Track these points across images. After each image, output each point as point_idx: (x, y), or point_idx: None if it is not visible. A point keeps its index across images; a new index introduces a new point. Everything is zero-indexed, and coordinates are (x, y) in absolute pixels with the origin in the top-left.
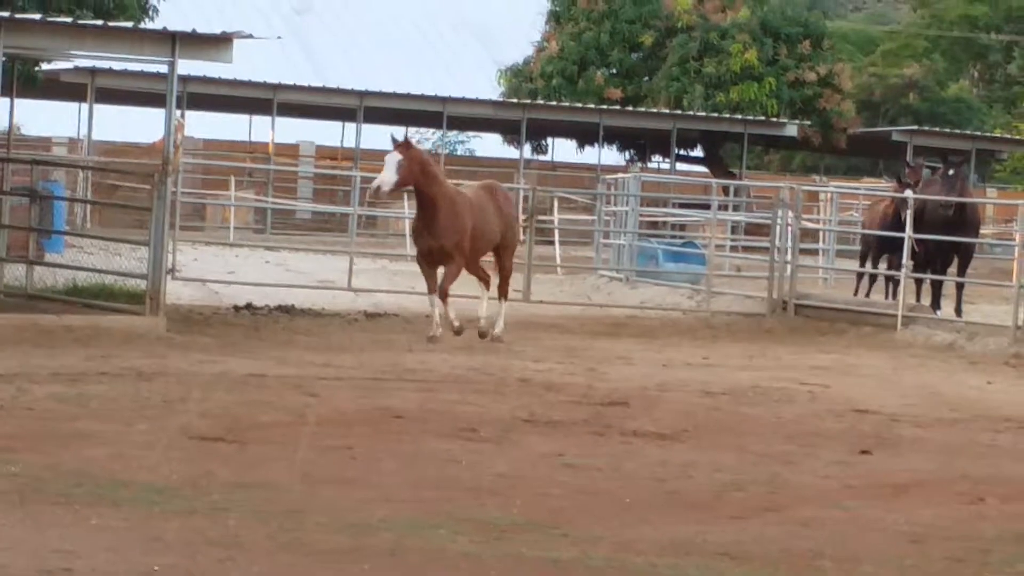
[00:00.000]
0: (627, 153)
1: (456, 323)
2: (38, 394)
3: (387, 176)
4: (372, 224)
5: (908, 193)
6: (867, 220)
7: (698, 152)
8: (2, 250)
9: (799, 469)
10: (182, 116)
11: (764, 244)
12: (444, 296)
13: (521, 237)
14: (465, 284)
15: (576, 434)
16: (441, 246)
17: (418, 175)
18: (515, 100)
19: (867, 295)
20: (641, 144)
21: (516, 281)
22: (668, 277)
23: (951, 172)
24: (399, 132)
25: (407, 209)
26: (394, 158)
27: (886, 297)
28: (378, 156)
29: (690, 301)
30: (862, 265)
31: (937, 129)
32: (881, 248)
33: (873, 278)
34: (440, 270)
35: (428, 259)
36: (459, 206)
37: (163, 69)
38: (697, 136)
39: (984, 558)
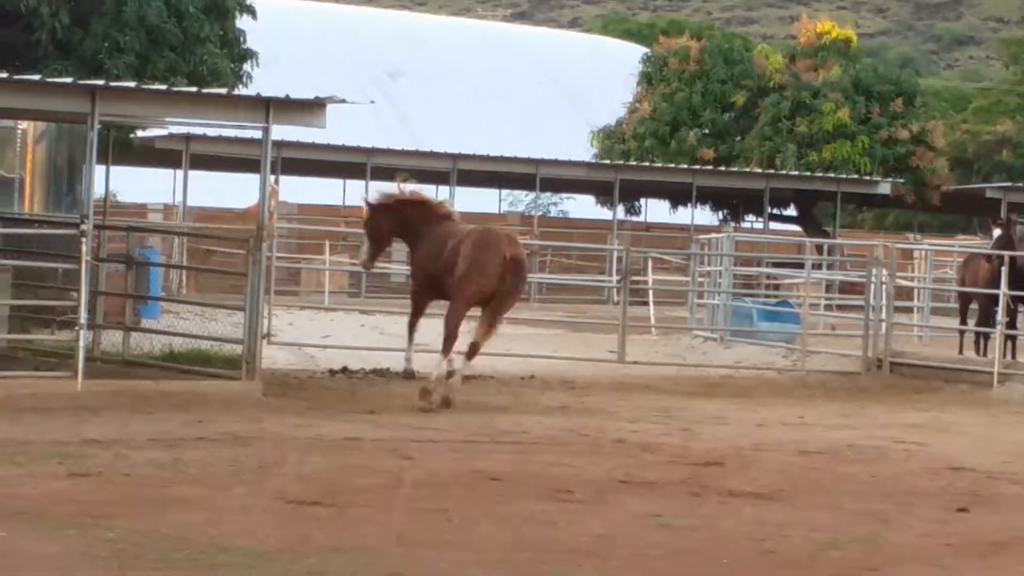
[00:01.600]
0: (720, 213)
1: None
2: (136, 459)
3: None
4: None
5: (996, 232)
6: (969, 275)
7: (791, 211)
8: (99, 316)
9: (896, 527)
10: (276, 182)
11: (859, 302)
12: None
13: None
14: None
15: (672, 494)
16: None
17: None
18: (608, 161)
19: (985, 353)
20: (734, 204)
21: (610, 341)
22: (763, 336)
23: None
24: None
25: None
26: None
27: (978, 353)
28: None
29: (785, 360)
30: (963, 323)
31: None
32: (990, 303)
33: (988, 335)
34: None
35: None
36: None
37: (257, 135)
38: (790, 195)
39: None
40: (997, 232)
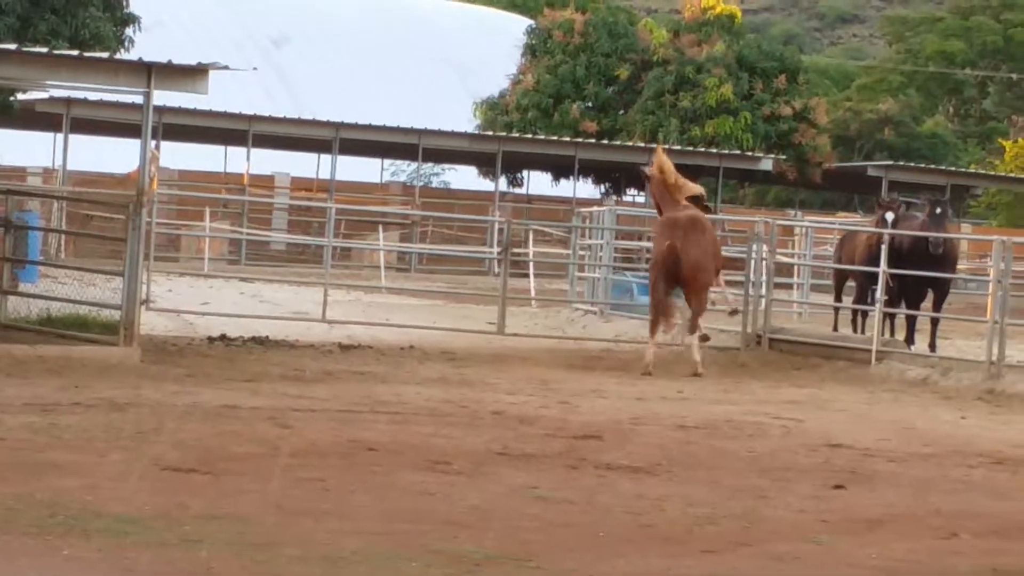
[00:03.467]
0: (602, 186)
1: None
2: (11, 424)
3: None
4: (347, 256)
5: (888, 216)
6: (846, 253)
7: None
8: None
9: (773, 503)
10: (156, 147)
11: (739, 278)
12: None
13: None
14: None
15: (549, 467)
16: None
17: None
18: (491, 133)
19: (862, 331)
20: (616, 177)
21: (490, 313)
22: (643, 311)
23: (938, 210)
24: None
25: (381, 241)
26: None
27: (855, 331)
28: (353, 187)
29: (664, 335)
30: (837, 299)
31: (912, 164)
32: (868, 282)
33: (865, 313)
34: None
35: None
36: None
37: (138, 100)
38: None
39: None
40: (891, 216)
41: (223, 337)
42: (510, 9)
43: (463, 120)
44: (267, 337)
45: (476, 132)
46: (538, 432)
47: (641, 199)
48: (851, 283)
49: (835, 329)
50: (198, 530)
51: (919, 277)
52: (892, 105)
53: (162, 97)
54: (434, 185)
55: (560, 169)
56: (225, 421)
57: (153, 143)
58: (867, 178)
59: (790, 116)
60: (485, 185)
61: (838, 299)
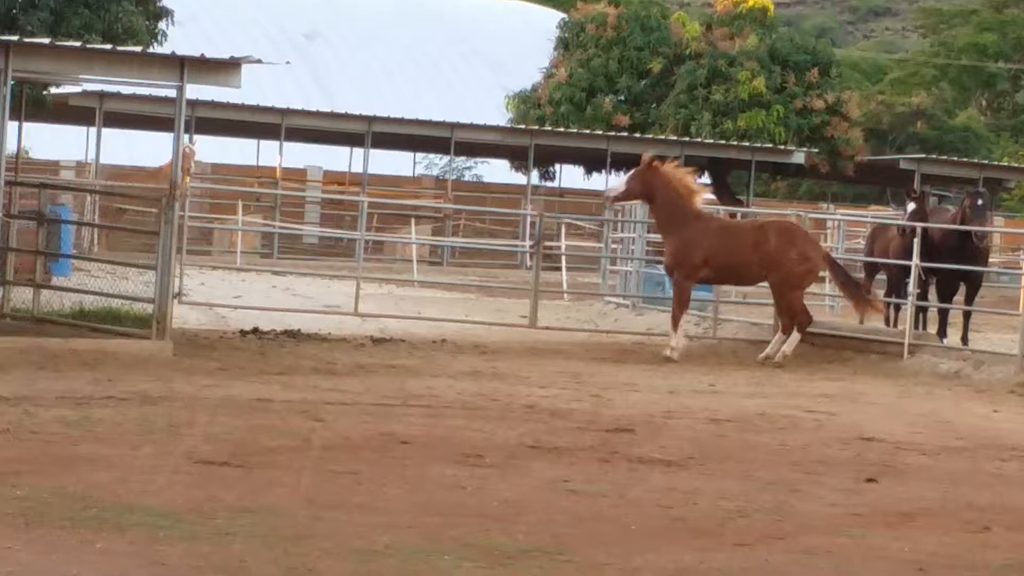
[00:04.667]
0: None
1: (668, 351)
2: (44, 418)
3: (613, 184)
4: (379, 249)
5: (909, 205)
6: (879, 246)
7: (705, 179)
8: (9, 273)
9: (805, 497)
10: (192, 142)
11: None
12: (673, 322)
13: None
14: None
15: (581, 460)
16: (665, 264)
17: (644, 191)
18: (523, 126)
19: (895, 324)
20: None
21: (523, 307)
22: None
23: (980, 202)
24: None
25: (414, 235)
26: (631, 174)
27: (887, 324)
28: (385, 181)
29: (696, 328)
30: (887, 294)
31: (944, 157)
32: (901, 275)
33: (897, 307)
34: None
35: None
36: (689, 227)
37: (171, 93)
38: (704, 163)
39: None
40: (911, 206)
41: (255, 330)
42: (543, 3)
43: (495, 114)
44: (299, 330)
45: (508, 126)
46: (570, 425)
47: None
48: (881, 276)
49: (861, 322)
50: (230, 523)
51: (952, 270)
52: (924, 98)
53: (195, 91)
54: (466, 179)
55: (592, 163)
56: (257, 414)
57: (187, 138)
58: (899, 171)
59: (822, 109)
60: (517, 178)
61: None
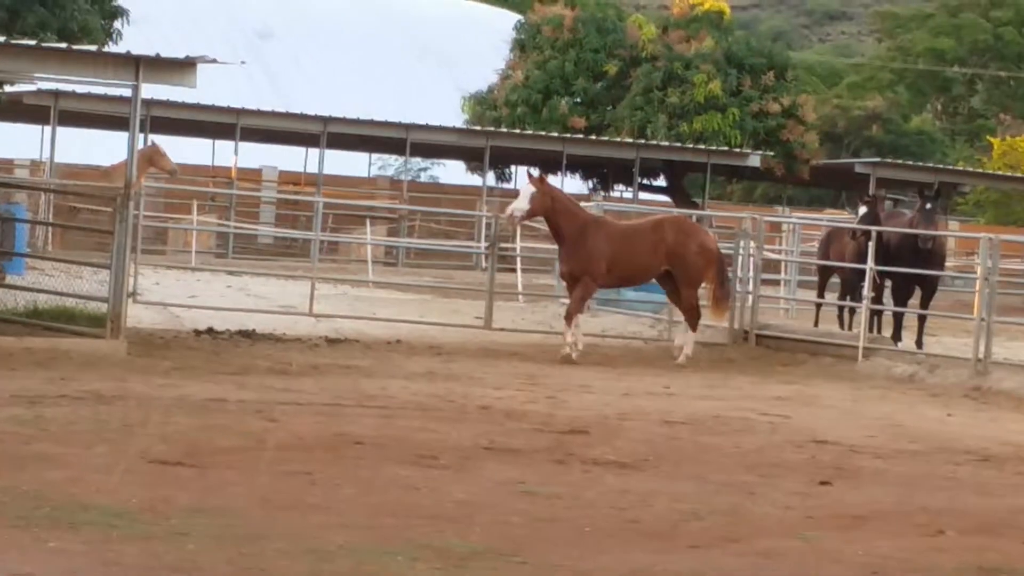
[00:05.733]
0: (590, 182)
1: (567, 349)
2: None
3: (519, 204)
4: (334, 250)
5: (861, 209)
6: (834, 250)
7: (661, 182)
8: None
9: (759, 499)
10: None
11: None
12: (568, 319)
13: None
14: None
15: (536, 462)
16: (570, 270)
17: (546, 205)
18: (479, 128)
19: (849, 327)
20: (604, 173)
21: (478, 308)
22: (630, 306)
23: (928, 206)
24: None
25: (369, 235)
26: (528, 190)
27: (841, 327)
28: (340, 181)
29: (651, 330)
30: (820, 295)
31: (900, 161)
32: (856, 278)
33: (852, 310)
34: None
35: (566, 281)
36: (599, 236)
37: (127, 93)
38: (660, 166)
39: None
40: (863, 209)
41: (210, 330)
42: (499, 4)
43: (451, 115)
44: (254, 330)
45: (464, 127)
46: (525, 427)
47: (629, 195)
48: (835, 279)
49: (816, 324)
50: (184, 523)
51: (907, 274)
52: (880, 102)
53: (150, 90)
54: (422, 179)
55: (548, 165)
56: (211, 414)
57: (143, 138)
58: (854, 175)
59: (778, 113)
60: (473, 180)
61: (820, 295)
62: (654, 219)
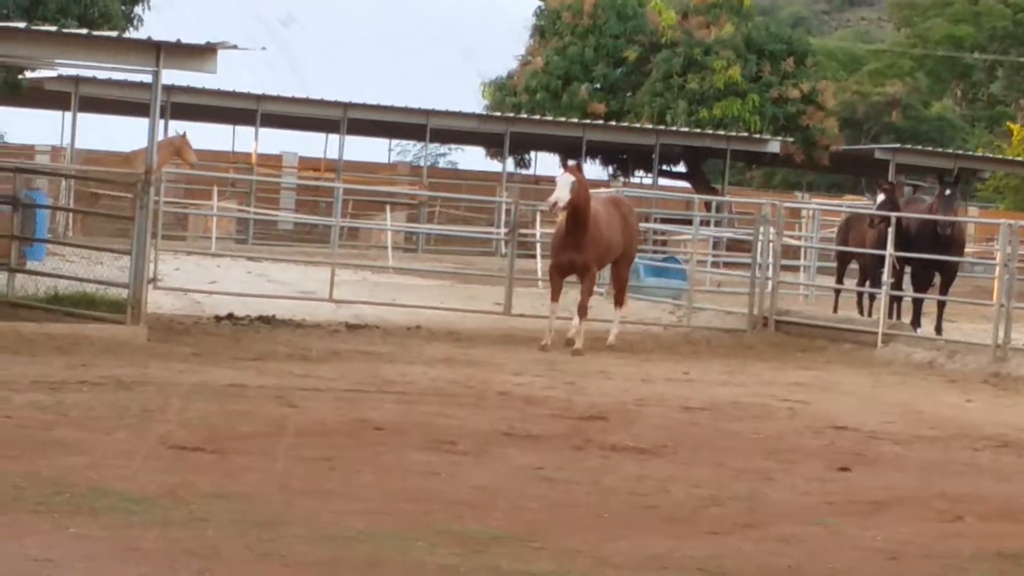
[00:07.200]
0: (610, 168)
1: (579, 343)
2: (17, 402)
3: (562, 194)
4: (354, 235)
5: (879, 197)
6: (853, 236)
7: (681, 168)
8: None
9: (778, 485)
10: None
11: (746, 260)
12: (583, 311)
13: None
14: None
15: (555, 448)
16: (584, 261)
17: (584, 195)
18: (499, 114)
19: (869, 313)
20: (624, 159)
21: (497, 294)
22: (649, 292)
23: (948, 192)
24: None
25: (389, 221)
26: (568, 179)
27: (861, 314)
28: (360, 167)
29: (671, 316)
30: (839, 282)
31: (919, 147)
32: (875, 265)
33: (872, 296)
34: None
35: (563, 271)
36: (601, 223)
37: (147, 79)
38: (680, 152)
39: None
40: (881, 197)
41: (230, 316)
42: None
43: (471, 101)
44: (274, 316)
45: (484, 113)
46: (544, 413)
47: (649, 180)
48: (854, 265)
49: (835, 311)
50: (204, 509)
51: (926, 260)
52: (900, 88)
53: (171, 76)
54: (441, 165)
55: (568, 150)
56: (231, 400)
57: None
58: (874, 161)
59: (798, 99)
60: (493, 166)
61: (840, 281)
62: (610, 198)
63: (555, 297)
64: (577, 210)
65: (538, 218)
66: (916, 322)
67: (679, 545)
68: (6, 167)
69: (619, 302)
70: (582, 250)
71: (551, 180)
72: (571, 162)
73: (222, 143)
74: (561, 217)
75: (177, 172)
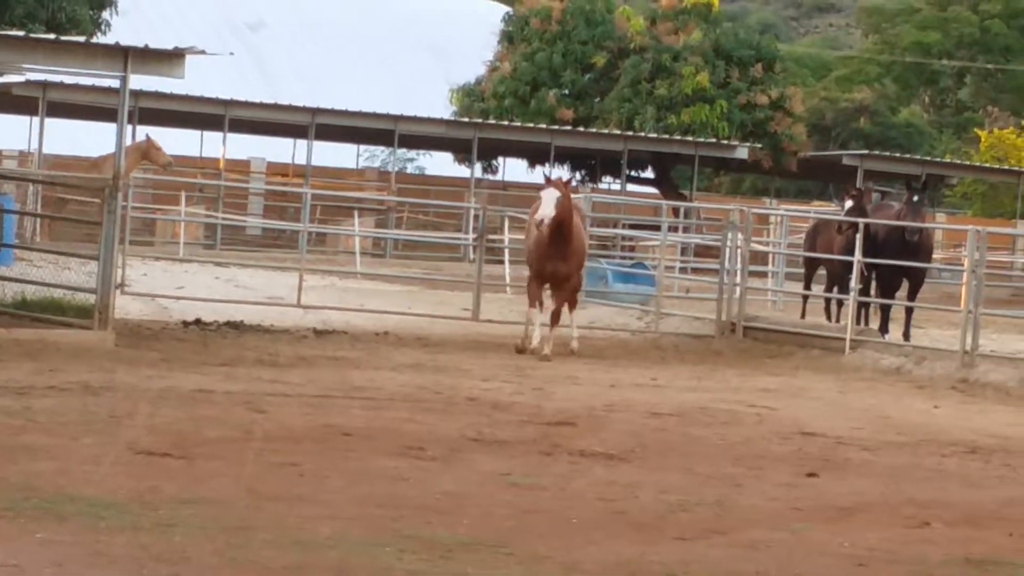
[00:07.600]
0: (578, 173)
1: (546, 349)
2: None
3: (548, 211)
4: (322, 241)
5: (847, 203)
6: (821, 242)
7: (649, 173)
8: None
9: (746, 491)
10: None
11: (714, 266)
12: (557, 318)
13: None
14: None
15: (523, 453)
16: (568, 271)
17: (568, 208)
18: (467, 119)
19: (837, 319)
20: (592, 165)
21: (465, 299)
22: (617, 298)
23: (915, 198)
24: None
25: (357, 227)
26: (553, 194)
27: (829, 319)
28: (328, 173)
29: (639, 322)
30: (807, 287)
31: (887, 153)
32: (843, 271)
33: (839, 302)
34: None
35: (545, 281)
36: (576, 231)
37: (115, 84)
38: (648, 157)
39: None
40: (849, 203)
41: (198, 321)
42: None
43: (439, 106)
44: (242, 322)
45: (452, 118)
46: (512, 418)
47: (617, 186)
48: (822, 271)
49: (803, 316)
50: (172, 514)
51: (894, 266)
52: (868, 94)
53: (139, 81)
54: (409, 171)
55: (536, 156)
56: (199, 405)
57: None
58: (842, 167)
59: (766, 105)
60: (461, 171)
61: (807, 287)
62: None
63: (535, 304)
64: (562, 224)
65: (506, 224)
66: (884, 328)
67: (647, 551)
68: None
69: (573, 306)
70: (567, 259)
71: (519, 186)
72: (555, 176)
73: (190, 148)
74: (543, 228)
75: (145, 177)
